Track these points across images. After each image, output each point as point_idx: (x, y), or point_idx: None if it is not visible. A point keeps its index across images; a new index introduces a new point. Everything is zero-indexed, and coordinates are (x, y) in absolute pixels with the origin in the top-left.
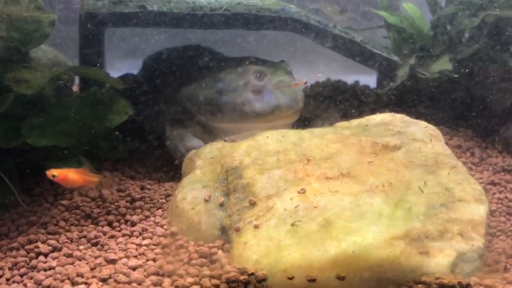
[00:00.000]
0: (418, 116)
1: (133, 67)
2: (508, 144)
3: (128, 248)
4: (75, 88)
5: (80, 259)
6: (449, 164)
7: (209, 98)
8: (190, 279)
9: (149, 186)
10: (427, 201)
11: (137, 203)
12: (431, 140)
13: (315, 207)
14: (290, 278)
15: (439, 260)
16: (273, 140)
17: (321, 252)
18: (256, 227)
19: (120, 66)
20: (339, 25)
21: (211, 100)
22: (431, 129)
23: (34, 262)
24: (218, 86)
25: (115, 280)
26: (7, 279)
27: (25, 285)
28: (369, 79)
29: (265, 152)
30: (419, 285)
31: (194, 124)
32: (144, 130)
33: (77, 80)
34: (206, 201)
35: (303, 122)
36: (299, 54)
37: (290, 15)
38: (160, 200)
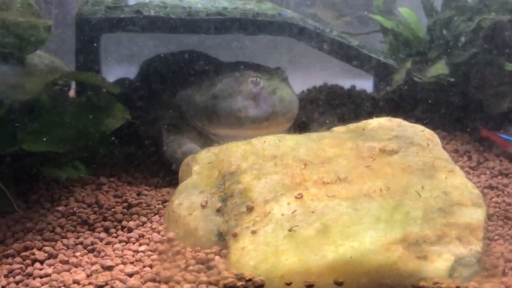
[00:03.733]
0: (415, 120)
1: (130, 72)
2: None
3: (124, 255)
4: (71, 93)
5: (76, 265)
6: (447, 168)
7: (205, 103)
8: (187, 285)
9: (145, 192)
10: (424, 206)
11: (134, 209)
12: (428, 144)
13: (313, 212)
14: (288, 284)
15: (437, 264)
16: (270, 145)
17: (318, 257)
18: (253, 232)
19: (116, 71)
20: (335, 29)
21: (207, 105)
22: (428, 133)
23: (30, 269)
24: (214, 91)
25: (112, 287)
26: (3, 287)
27: None
28: (365, 83)
29: (262, 157)
30: None
31: (190, 130)
32: (140, 135)
33: (73, 85)
34: (203, 206)
35: (300, 126)
36: (295, 59)
37: (286, 20)
38: (157, 206)
